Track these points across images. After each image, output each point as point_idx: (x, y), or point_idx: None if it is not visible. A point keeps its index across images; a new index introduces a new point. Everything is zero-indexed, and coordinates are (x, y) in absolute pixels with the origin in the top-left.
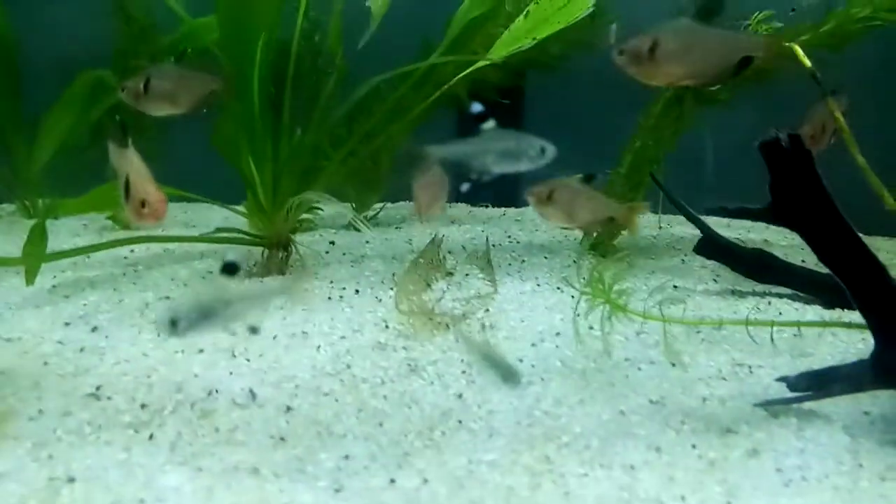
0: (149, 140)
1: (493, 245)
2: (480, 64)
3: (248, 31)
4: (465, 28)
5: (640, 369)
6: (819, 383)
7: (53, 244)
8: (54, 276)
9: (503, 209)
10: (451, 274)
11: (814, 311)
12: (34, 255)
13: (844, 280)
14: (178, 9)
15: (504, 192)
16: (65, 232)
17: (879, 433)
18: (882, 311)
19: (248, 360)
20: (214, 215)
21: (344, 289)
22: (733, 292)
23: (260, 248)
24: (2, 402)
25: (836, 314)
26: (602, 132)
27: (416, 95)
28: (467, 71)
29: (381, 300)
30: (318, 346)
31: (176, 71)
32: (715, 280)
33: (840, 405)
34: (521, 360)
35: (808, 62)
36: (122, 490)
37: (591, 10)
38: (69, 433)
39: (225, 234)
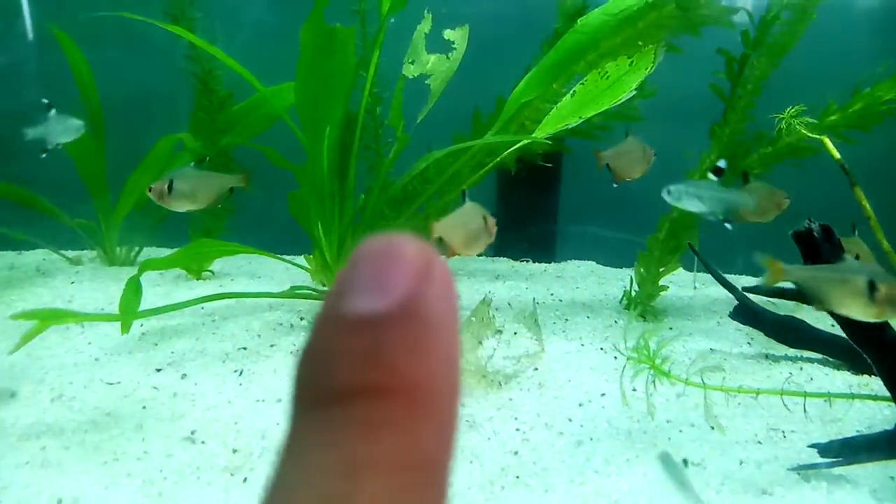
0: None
1: (538, 303)
2: (528, 140)
3: (322, 104)
4: (518, 108)
5: (681, 431)
6: (848, 450)
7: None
8: (141, 325)
9: (544, 265)
10: (500, 332)
11: (842, 377)
12: (130, 310)
13: (869, 356)
14: (250, 77)
15: (543, 247)
16: (144, 282)
17: None
18: None
19: None
20: (277, 266)
21: None
22: (767, 356)
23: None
24: (111, 441)
25: (864, 380)
26: (638, 197)
27: (470, 163)
28: (517, 146)
29: None
30: None
31: (195, 173)
32: (749, 343)
33: (868, 469)
34: (570, 420)
35: (837, 154)
36: None
37: (634, 92)
38: (173, 473)
39: (296, 291)
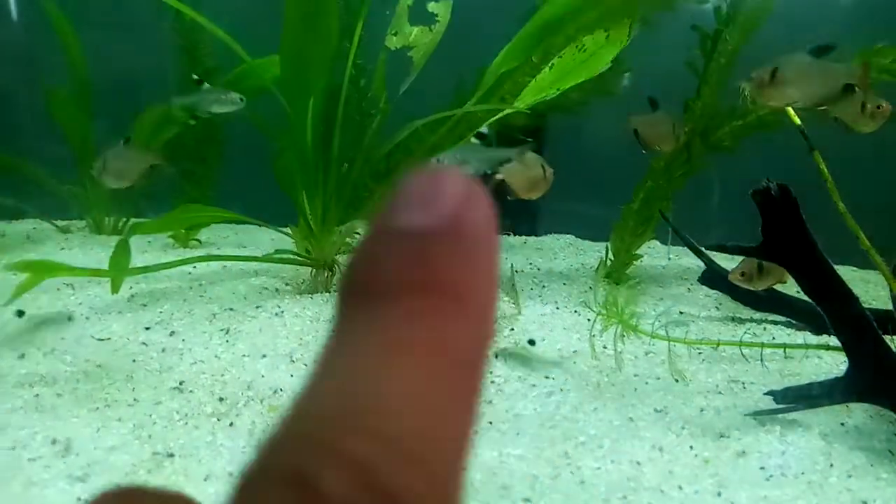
0: (208, 167)
1: (517, 271)
2: (509, 110)
3: (306, 75)
4: (497, 79)
5: (647, 383)
6: (801, 397)
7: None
8: (130, 288)
9: (525, 238)
10: None
11: (803, 337)
12: (120, 268)
13: (822, 308)
14: (239, 49)
15: (525, 221)
16: (133, 248)
17: (852, 440)
18: (852, 335)
19: (306, 364)
20: (262, 236)
21: None
22: (733, 319)
23: (308, 269)
24: (102, 390)
25: (824, 339)
26: (616, 169)
27: (450, 135)
28: (496, 117)
29: None
30: None
31: (123, 152)
32: (717, 308)
33: (820, 416)
34: (544, 377)
35: (797, 120)
36: (212, 465)
37: (609, 65)
38: (162, 418)
39: (280, 255)
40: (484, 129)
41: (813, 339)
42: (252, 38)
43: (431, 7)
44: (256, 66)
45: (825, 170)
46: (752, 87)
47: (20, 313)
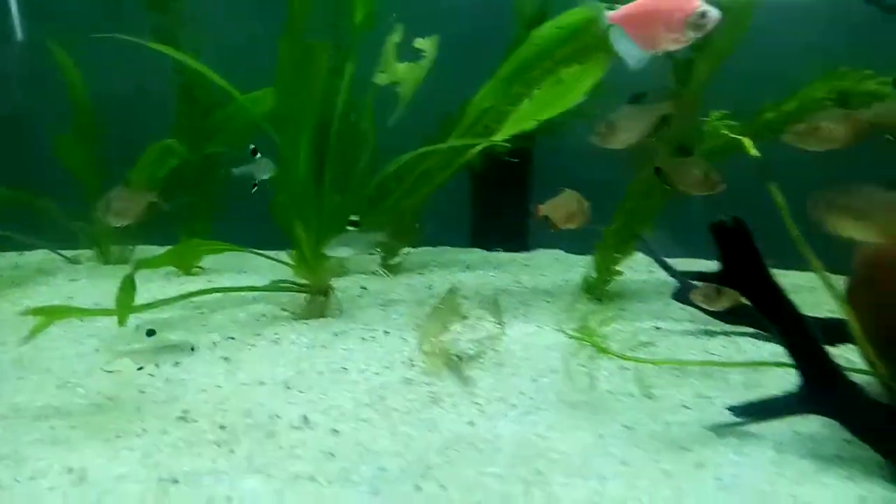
0: (208, 199)
1: (503, 290)
2: (491, 141)
3: (298, 113)
4: (478, 113)
5: (619, 400)
6: (757, 411)
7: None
8: (135, 318)
9: (514, 255)
10: (465, 318)
11: (770, 348)
12: (126, 305)
13: (776, 328)
14: (230, 89)
15: (516, 237)
16: (137, 278)
17: (804, 448)
18: (803, 353)
19: (301, 392)
20: (261, 261)
21: (376, 330)
22: (705, 332)
23: (304, 294)
24: (113, 421)
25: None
26: (606, 188)
27: (438, 164)
28: (480, 146)
29: (406, 341)
30: (357, 381)
31: (127, 192)
32: (691, 321)
33: (775, 426)
34: (522, 393)
35: (755, 152)
36: (213, 490)
37: (584, 98)
38: (168, 447)
39: (279, 284)
40: (354, 217)
41: (779, 349)
42: (251, 69)
43: (418, 43)
44: (248, 102)
45: (780, 200)
46: (597, 139)
47: (151, 332)
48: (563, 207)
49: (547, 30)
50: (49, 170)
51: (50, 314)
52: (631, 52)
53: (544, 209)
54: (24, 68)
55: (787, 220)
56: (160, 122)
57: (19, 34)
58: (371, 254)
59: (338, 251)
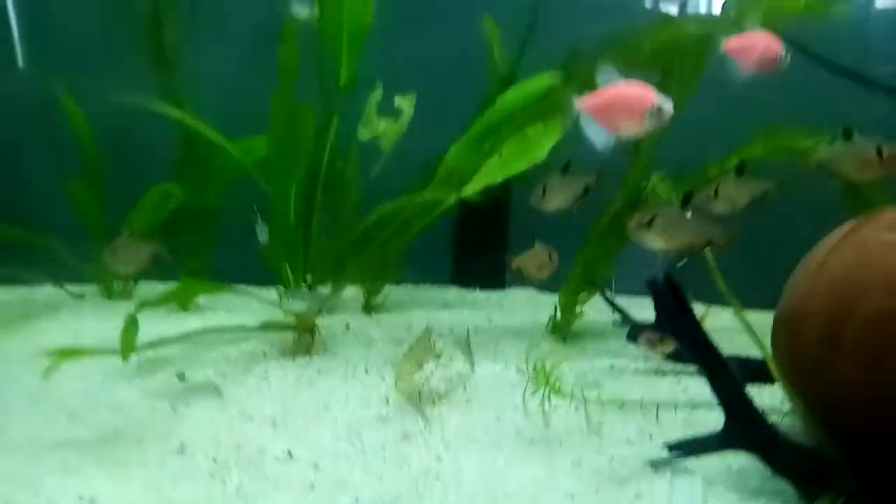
0: (204, 239)
1: (477, 328)
2: (463, 195)
3: (289, 165)
4: (452, 168)
5: (571, 436)
6: (689, 448)
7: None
8: (137, 355)
9: (488, 293)
10: (439, 356)
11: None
12: (129, 345)
13: (703, 371)
14: (222, 141)
15: (493, 276)
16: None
17: (731, 481)
18: (725, 395)
19: (286, 428)
20: (252, 301)
21: (357, 368)
22: (656, 371)
23: (292, 333)
24: (117, 453)
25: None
26: (578, 230)
27: (417, 212)
28: (456, 198)
29: (384, 378)
30: (337, 418)
31: (129, 243)
32: (644, 361)
33: (709, 461)
34: (486, 429)
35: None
36: None
37: (546, 156)
38: (167, 478)
39: (268, 323)
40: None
41: None
42: (247, 116)
43: (397, 101)
44: (241, 151)
45: (714, 266)
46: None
47: (182, 376)
48: (533, 260)
49: (510, 96)
50: (48, 202)
51: (64, 356)
52: (598, 135)
53: (517, 262)
54: (23, 100)
55: (719, 280)
56: (158, 158)
57: (20, 64)
58: (318, 311)
59: (291, 305)
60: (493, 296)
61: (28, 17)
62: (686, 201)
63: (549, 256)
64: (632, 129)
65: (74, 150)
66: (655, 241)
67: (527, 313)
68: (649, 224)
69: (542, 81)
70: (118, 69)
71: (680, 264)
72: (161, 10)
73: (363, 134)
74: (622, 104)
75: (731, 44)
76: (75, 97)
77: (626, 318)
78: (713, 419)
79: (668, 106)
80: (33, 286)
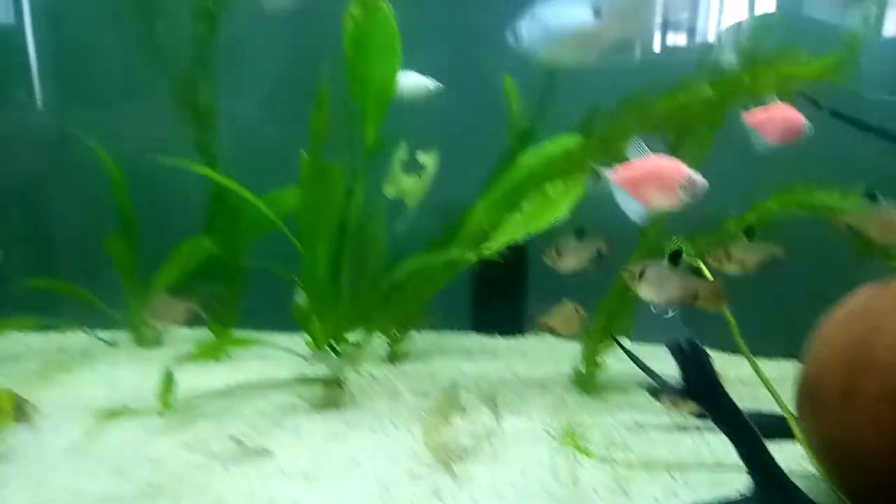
0: (234, 289)
1: (498, 380)
2: (485, 253)
3: (319, 223)
4: (475, 226)
5: (597, 493)
6: None
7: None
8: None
9: (509, 341)
10: (465, 411)
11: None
12: (167, 402)
13: (729, 437)
14: (251, 197)
15: (513, 323)
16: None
17: None
18: (752, 460)
19: (319, 482)
20: (279, 352)
21: (384, 421)
22: (679, 428)
23: (320, 385)
24: None
25: None
26: (597, 276)
27: (442, 265)
28: (480, 255)
29: (411, 432)
30: (367, 473)
31: (170, 300)
32: (668, 416)
33: None
34: (512, 486)
35: (708, 274)
36: None
37: (569, 212)
38: None
39: (299, 378)
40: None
41: None
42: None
43: (420, 158)
44: (269, 205)
45: (730, 317)
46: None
47: (238, 441)
48: (561, 316)
49: (529, 158)
50: (81, 253)
51: (110, 416)
52: (632, 207)
53: (545, 320)
54: (62, 155)
55: (738, 337)
56: (190, 210)
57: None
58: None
59: (318, 367)
60: (514, 344)
61: (67, 76)
62: (674, 258)
63: (576, 311)
64: (665, 202)
65: (108, 205)
66: (646, 293)
67: (548, 363)
68: (640, 276)
69: (562, 143)
70: (154, 126)
71: (670, 315)
72: (197, 71)
73: (389, 191)
74: (655, 178)
75: (753, 117)
76: (111, 152)
77: (651, 375)
78: (738, 479)
79: (700, 179)
80: (66, 333)
